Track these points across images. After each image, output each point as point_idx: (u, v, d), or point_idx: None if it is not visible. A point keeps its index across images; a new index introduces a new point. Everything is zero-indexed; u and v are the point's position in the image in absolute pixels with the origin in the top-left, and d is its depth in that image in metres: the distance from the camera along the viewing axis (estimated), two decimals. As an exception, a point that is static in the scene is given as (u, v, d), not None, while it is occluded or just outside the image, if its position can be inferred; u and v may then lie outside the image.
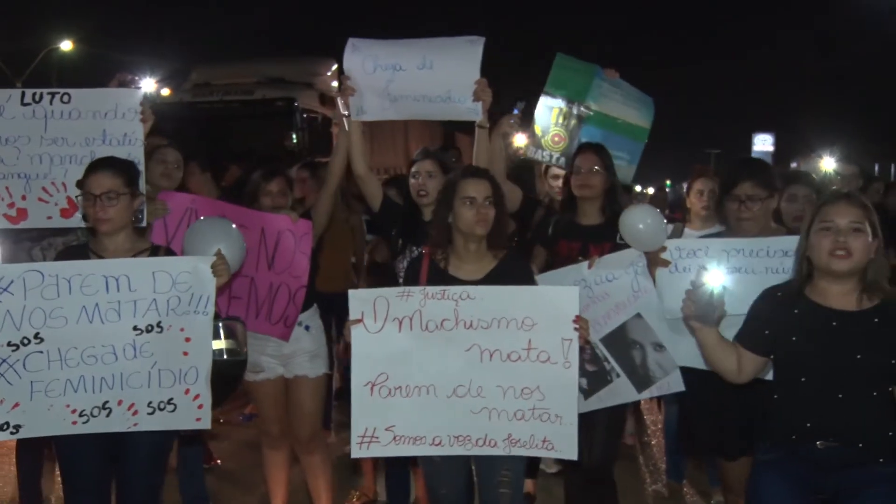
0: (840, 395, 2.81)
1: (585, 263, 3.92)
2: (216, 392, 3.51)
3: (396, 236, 4.31)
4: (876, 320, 2.84)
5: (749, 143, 34.08)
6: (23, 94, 4.02)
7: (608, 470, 4.09)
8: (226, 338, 3.62)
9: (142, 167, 3.95)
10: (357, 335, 3.32)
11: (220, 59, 15.86)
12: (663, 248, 3.75)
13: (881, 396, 2.82)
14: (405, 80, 4.13)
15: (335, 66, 4.29)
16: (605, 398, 3.93)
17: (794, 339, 2.90)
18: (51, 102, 4.01)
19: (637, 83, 4.89)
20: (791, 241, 3.22)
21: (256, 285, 4.29)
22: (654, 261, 3.76)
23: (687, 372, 3.84)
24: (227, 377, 3.62)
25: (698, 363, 3.52)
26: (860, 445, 2.81)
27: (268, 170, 4.59)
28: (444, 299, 3.30)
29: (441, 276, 3.51)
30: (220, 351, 3.57)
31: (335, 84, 4.21)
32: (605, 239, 4.06)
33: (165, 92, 12.58)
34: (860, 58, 25.19)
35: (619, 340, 3.91)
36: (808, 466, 2.88)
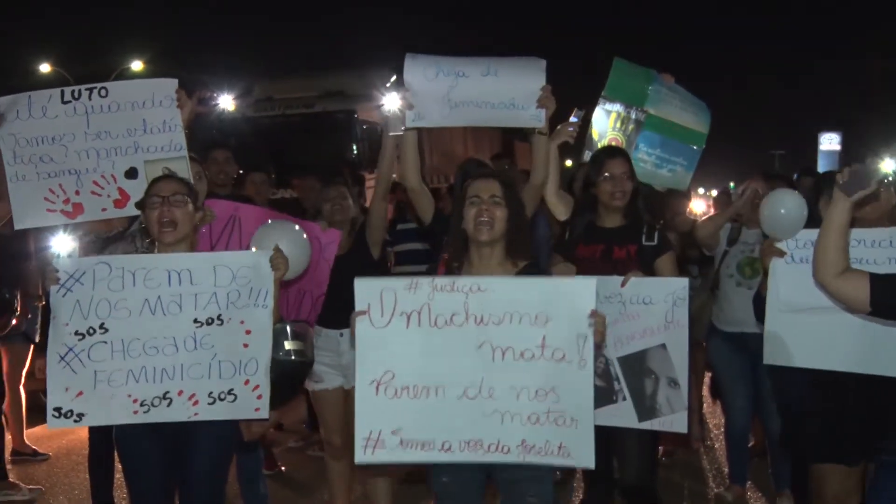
0: None
1: (620, 279, 3.81)
2: (281, 392, 3.60)
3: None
4: None
5: (815, 143, 33.23)
6: (62, 93, 4.12)
7: (647, 483, 4.02)
8: (293, 339, 3.73)
9: (184, 152, 4.06)
10: (362, 329, 3.11)
11: (287, 73, 16.17)
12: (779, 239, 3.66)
13: None
14: (468, 86, 4.11)
15: (394, 78, 4.34)
16: (604, 417, 3.68)
17: None
18: (90, 98, 4.11)
19: (696, 87, 4.90)
20: None
21: (287, 290, 4.37)
22: (770, 251, 3.68)
23: (803, 376, 3.69)
24: (293, 378, 3.72)
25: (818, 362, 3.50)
26: None
27: (328, 177, 4.70)
28: (454, 291, 3.10)
29: None
30: (289, 352, 3.68)
31: (394, 95, 4.22)
32: (630, 241, 4.01)
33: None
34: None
35: (637, 365, 3.81)
36: None
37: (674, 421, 3.80)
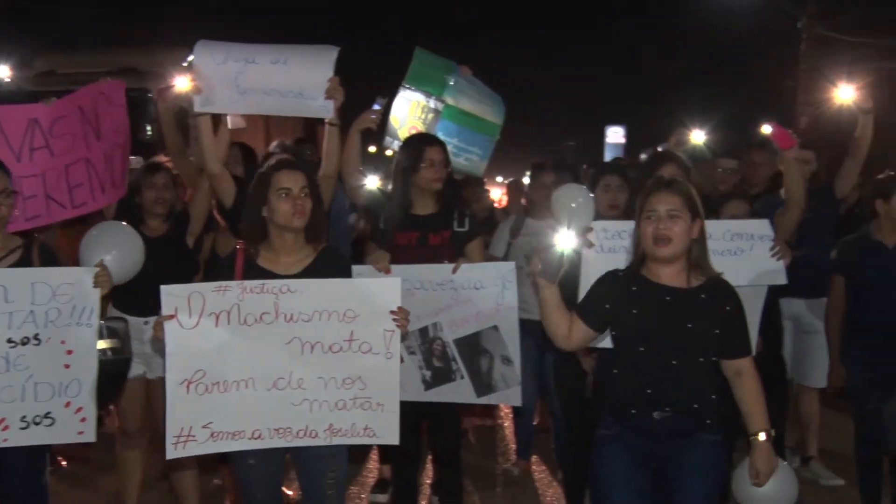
0: (674, 362, 3.11)
1: (451, 266, 4.00)
2: (103, 392, 3.48)
3: None
4: (703, 296, 3.18)
5: (603, 136, 35.31)
6: None
7: (458, 453, 4.36)
8: (109, 337, 3.60)
9: None
10: (170, 332, 3.14)
11: (73, 47, 15.13)
12: (589, 229, 3.83)
13: (706, 363, 3.17)
14: (257, 74, 4.09)
15: (191, 58, 4.19)
16: (445, 394, 4.10)
17: (634, 311, 3.18)
18: None
19: (492, 81, 5.09)
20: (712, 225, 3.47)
21: (93, 163, 4.23)
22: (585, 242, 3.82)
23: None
24: (113, 376, 3.59)
25: None
26: (695, 406, 3.12)
27: (152, 163, 4.54)
28: (264, 293, 3.20)
29: (256, 271, 3.39)
30: (104, 351, 3.55)
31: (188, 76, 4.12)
32: (443, 227, 4.18)
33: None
34: (701, 58, 26.71)
35: (472, 346, 4.06)
36: (645, 437, 3.16)
37: (509, 395, 4.11)
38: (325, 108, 4.16)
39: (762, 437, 3.13)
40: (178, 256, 4.52)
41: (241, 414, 3.24)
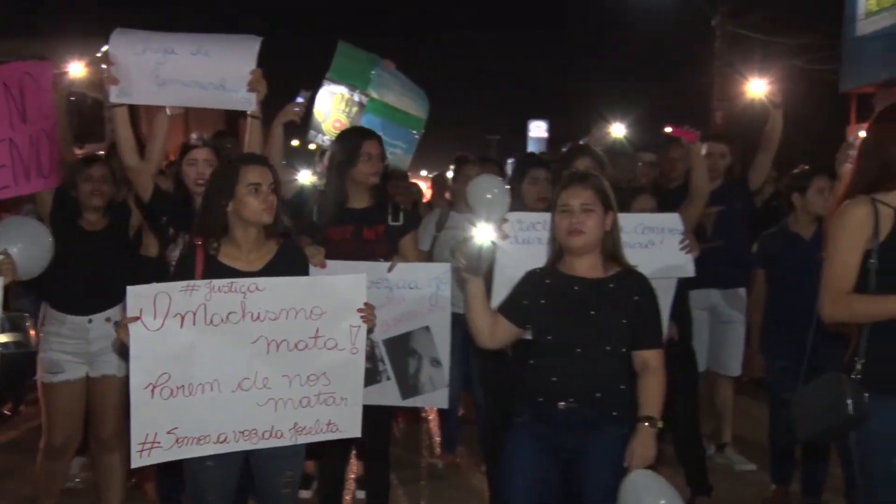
0: (579, 351, 3.17)
1: (386, 265, 3.98)
2: (5, 388, 3.35)
3: (167, 225, 4.18)
4: (611, 286, 3.24)
5: (525, 130, 35.70)
6: None
7: (388, 451, 4.35)
8: (11, 330, 3.48)
9: None
10: (135, 334, 3.04)
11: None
12: (504, 220, 3.85)
13: (614, 354, 3.20)
14: (177, 64, 3.99)
15: (106, 47, 4.06)
16: (369, 396, 3.93)
17: (542, 302, 3.26)
18: None
19: (416, 76, 5.10)
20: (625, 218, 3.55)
21: (17, 145, 4.01)
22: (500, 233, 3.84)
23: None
24: (14, 371, 3.47)
25: None
26: (597, 395, 3.16)
27: (88, 155, 4.39)
28: (232, 292, 3.15)
29: (218, 268, 3.33)
30: (6, 344, 3.43)
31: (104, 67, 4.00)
32: (378, 221, 4.16)
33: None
34: (621, 54, 27.24)
35: (401, 346, 4.04)
36: (554, 427, 3.20)
37: (435, 397, 4.10)
38: (247, 101, 4.09)
39: (647, 423, 3.18)
40: (117, 251, 4.39)
41: (207, 417, 3.18)
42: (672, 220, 4.02)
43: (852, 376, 2.89)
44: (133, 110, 4.19)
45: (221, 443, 3.21)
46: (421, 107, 5.01)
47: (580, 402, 3.17)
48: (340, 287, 3.31)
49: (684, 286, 4.83)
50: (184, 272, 3.33)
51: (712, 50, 19.61)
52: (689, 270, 3.98)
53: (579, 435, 3.17)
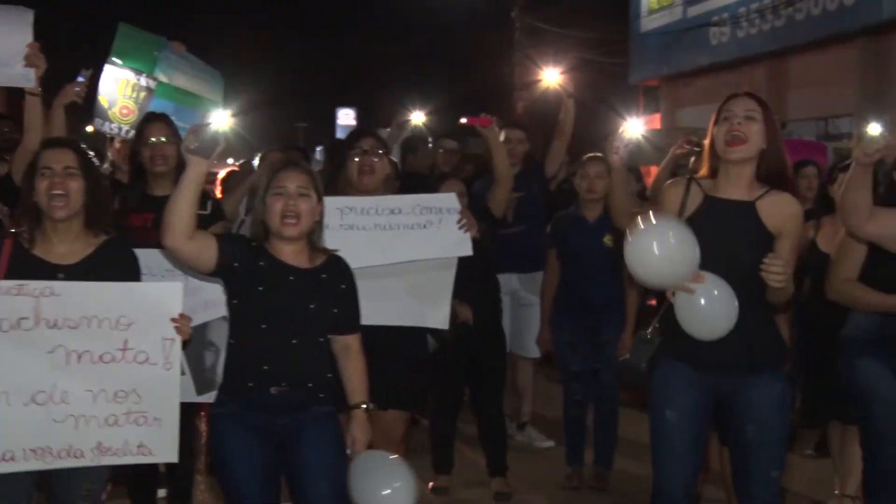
0: (294, 341, 3.14)
1: None
2: None
3: None
4: (324, 276, 3.23)
5: (334, 117, 35.53)
6: None
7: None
8: None
9: None
10: None
11: None
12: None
13: (325, 342, 3.23)
14: None
15: None
16: None
17: (260, 288, 3.14)
18: None
19: (220, 63, 4.91)
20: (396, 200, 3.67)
21: None
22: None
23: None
24: None
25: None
26: (309, 385, 3.16)
27: None
28: (22, 295, 2.89)
29: (26, 259, 3.07)
30: None
31: None
32: None
33: None
34: (426, 43, 27.67)
35: (197, 338, 3.81)
36: (262, 413, 3.12)
37: None
38: (24, 77, 3.87)
39: (363, 407, 3.25)
40: None
41: None
42: (449, 200, 4.07)
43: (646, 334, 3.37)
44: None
45: (7, 461, 2.93)
46: (216, 89, 4.83)
47: (293, 386, 3.13)
48: (152, 295, 3.12)
49: (491, 270, 4.99)
50: None
51: (512, 40, 20.32)
52: (468, 249, 4.03)
53: (290, 417, 3.13)
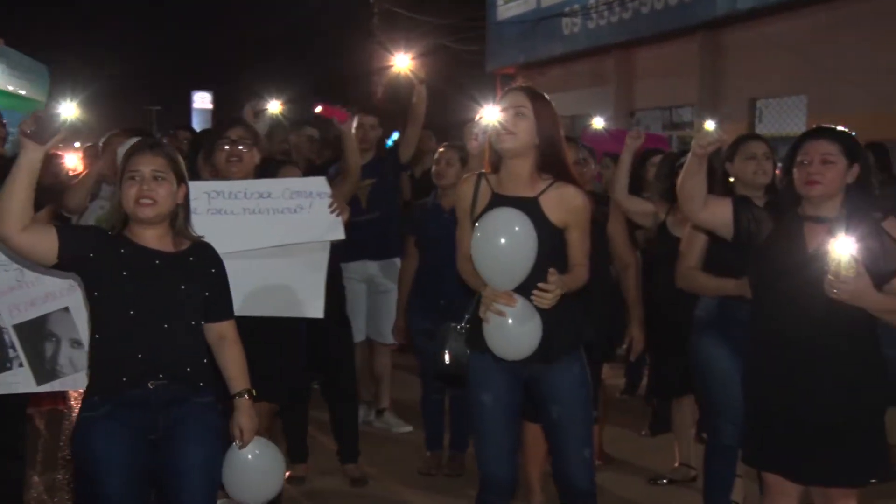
0: (166, 326, 3.05)
1: None
2: None
3: None
4: (191, 259, 3.17)
5: (189, 101, 34.39)
6: None
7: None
8: None
9: None
10: None
11: None
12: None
13: (197, 327, 3.16)
14: None
15: None
16: (1, 385, 3.72)
17: (124, 273, 3.04)
18: None
19: (62, 47, 4.64)
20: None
21: None
22: None
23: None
24: None
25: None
26: (188, 371, 3.08)
27: None
28: None
29: None
30: None
31: None
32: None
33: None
34: (284, 28, 27.15)
35: (36, 331, 3.73)
36: (141, 410, 3.01)
37: (77, 379, 3.76)
38: None
39: (246, 396, 3.23)
40: None
41: None
42: (319, 184, 4.04)
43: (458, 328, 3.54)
44: None
45: None
46: (40, 86, 4.55)
47: (171, 378, 3.04)
48: None
49: (337, 260, 4.96)
50: None
51: (371, 26, 20.22)
52: (339, 233, 4.02)
53: (169, 413, 3.04)
